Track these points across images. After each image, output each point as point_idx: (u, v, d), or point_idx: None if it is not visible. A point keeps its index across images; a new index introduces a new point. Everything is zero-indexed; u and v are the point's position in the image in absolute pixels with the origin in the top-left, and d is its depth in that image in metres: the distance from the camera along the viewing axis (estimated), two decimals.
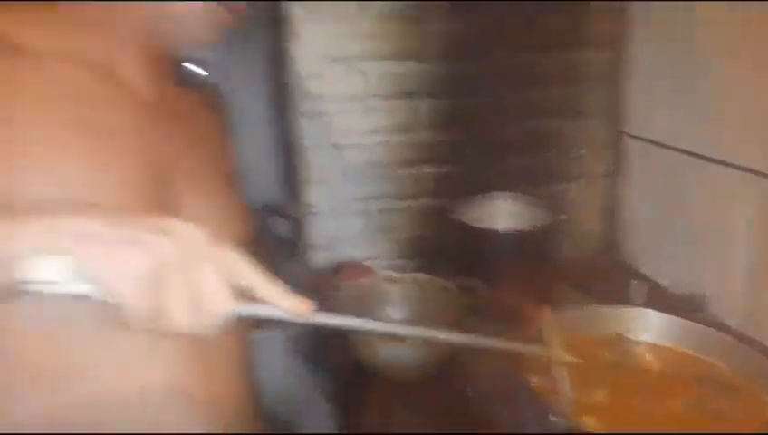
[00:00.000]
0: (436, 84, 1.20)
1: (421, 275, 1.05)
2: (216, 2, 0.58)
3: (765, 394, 0.70)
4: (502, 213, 1.21)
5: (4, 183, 0.50)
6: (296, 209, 1.24)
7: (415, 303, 1.04)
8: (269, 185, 1.38)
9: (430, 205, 1.25)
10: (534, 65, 1.23)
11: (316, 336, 1.11)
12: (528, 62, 1.22)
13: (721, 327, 0.88)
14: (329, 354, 1.04)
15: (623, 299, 1.03)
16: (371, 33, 1.15)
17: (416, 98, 1.20)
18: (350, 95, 1.17)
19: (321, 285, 1.14)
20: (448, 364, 0.91)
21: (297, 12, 1.10)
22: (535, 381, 0.72)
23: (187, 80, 0.71)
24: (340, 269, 1.19)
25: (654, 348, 0.80)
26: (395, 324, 0.59)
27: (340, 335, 0.95)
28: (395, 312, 1.04)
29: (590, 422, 0.68)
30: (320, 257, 1.23)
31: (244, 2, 0.61)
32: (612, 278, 1.19)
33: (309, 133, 1.17)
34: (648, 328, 0.82)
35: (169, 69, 0.66)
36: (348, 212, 1.23)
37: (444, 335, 0.61)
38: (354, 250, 1.24)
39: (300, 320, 0.48)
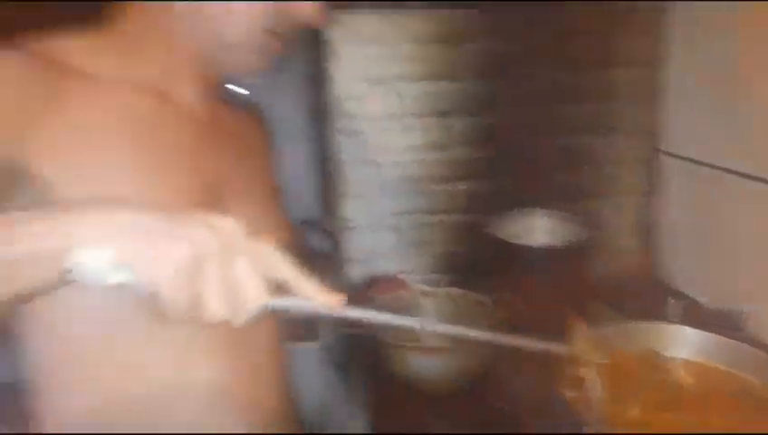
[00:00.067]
0: (470, 103, 1.22)
1: (454, 290, 1.07)
2: (267, 32, 0.62)
3: None
4: (536, 229, 1.22)
5: (71, 191, 0.54)
6: (333, 224, 1.27)
7: (449, 316, 1.05)
8: (307, 200, 1.41)
9: (464, 220, 1.27)
10: (570, 83, 1.24)
11: (350, 347, 1.13)
12: (563, 81, 1.24)
13: (758, 344, 0.86)
14: (362, 365, 1.05)
15: (659, 316, 1.02)
16: (408, 55, 1.18)
17: (450, 116, 1.22)
18: (387, 114, 1.20)
19: (355, 299, 1.16)
20: (481, 377, 0.91)
21: (337, 35, 1.15)
22: (569, 394, 0.72)
23: (233, 99, 0.75)
24: (374, 283, 1.21)
25: (689, 364, 0.80)
26: (425, 321, 0.59)
27: (374, 347, 0.97)
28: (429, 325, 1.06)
29: None
30: (356, 271, 1.26)
31: (294, 31, 0.64)
32: (648, 295, 1.19)
33: (347, 150, 1.21)
34: (684, 344, 0.82)
35: (219, 90, 0.71)
36: (384, 227, 1.26)
37: (473, 333, 0.60)
38: (389, 264, 1.26)
39: (331, 313, 0.49)
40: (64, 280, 0.43)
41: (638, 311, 1.04)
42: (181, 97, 0.64)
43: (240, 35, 0.62)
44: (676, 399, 0.75)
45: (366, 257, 1.26)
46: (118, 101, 0.59)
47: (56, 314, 0.58)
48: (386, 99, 1.19)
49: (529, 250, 1.14)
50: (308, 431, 0.81)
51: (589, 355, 0.68)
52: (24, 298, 0.46)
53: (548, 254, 1.14)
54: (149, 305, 0.44)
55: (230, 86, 0.78)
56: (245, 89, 0.97)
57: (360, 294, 1.19)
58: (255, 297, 0.44)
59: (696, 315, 1.05)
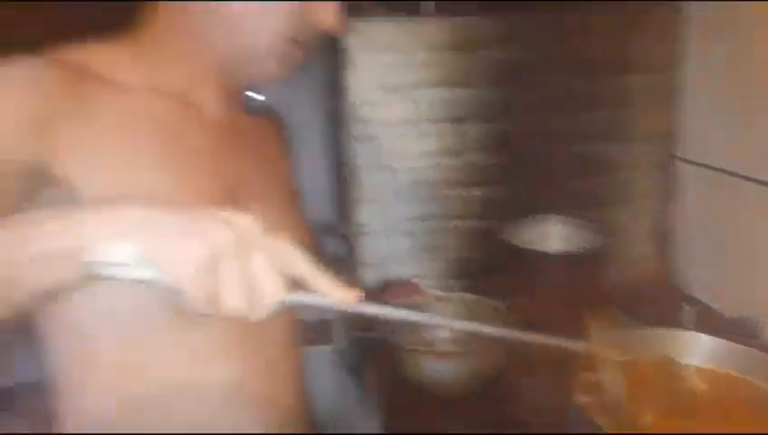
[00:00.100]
0: (485, 109, 1.23)
1: (468, 295, 1.07)
2: (289, 40, 0.63)
3: None
4: (551, 235, 1.22)
5: (96, 194, 0.55)
6: (348, 228, 1.29)
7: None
8: (323, 205, 1.43)
9: (478, 226, 1.27)
10: (585, 90, 1.24)
11: (363, 351, 1.14)
12: (579, 87, 1.24)
13: None
14: (375, 369, 1.06)
15: (674, 323, 1.02)
16: (423, 62, 1.19)
17: (465, 122, 1.23)
18: (402, 120, 1.21)
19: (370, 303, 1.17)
20: (494, 380, 0.92)
21: (353, 42, 1.16)
22: (582, 398, 0.72)
23: (253, 106, 0.77)
24: (388, 287, 1.22)
25: (704, 371, 0.79)
26: (440, 318, 0.58)
27: (387, 350, 0.98)
28: (443, 330, 1.06)
29: None
30: (370, 276, 1.27)
31: (314, 39, 0.65)
32: (664, 302, 1.18)
33: (362, 156, 1.22)
34: (699, 351, 0.82)
35: (240, 96, 0.72)
36: (398, 232, 1.27)
37: (489, 330, 0.59)
38: (404, 269, 1.27)
39: (347, 308, 0.49)
40: (82, 277, 0.44)
41: (654, 317, 1.04)
42: (203, 103, 0.66)
43: (262, 44, 0.63)
44: (689, 406, 0.74)
45: (380, 262, 1.27)
46: (141, 107, 0.61)
47: (76, 315, 0.60)
48: (401, 105, 1.21)
49: (543, 256, 1.14)
50: (321, 433, 0.82)
51: (607, 353, 0.68)
52: (43, 298, 0.47)
53: (562, 260, 1.14)
54: (168, 300, 0.45)
55: (249, 93, 0.80)
56: (264, 95, 0.99)
57: (374, 298, 1.19)
58: (273, 293, 0.44)
59: (712, 323, 1.04)
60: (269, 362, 0.67)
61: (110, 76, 0.60)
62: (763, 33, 1.00)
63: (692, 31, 1.20)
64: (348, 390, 1.23)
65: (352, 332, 1.20)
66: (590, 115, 1.26)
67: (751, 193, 1.04)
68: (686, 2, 1.19)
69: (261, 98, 0.95)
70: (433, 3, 1.20)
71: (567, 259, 1.14)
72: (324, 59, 1.29)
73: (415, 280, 1.25)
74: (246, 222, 0.45)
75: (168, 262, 0.43)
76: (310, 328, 0.79)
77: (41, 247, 0.44)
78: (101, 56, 0.61)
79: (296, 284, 0.46)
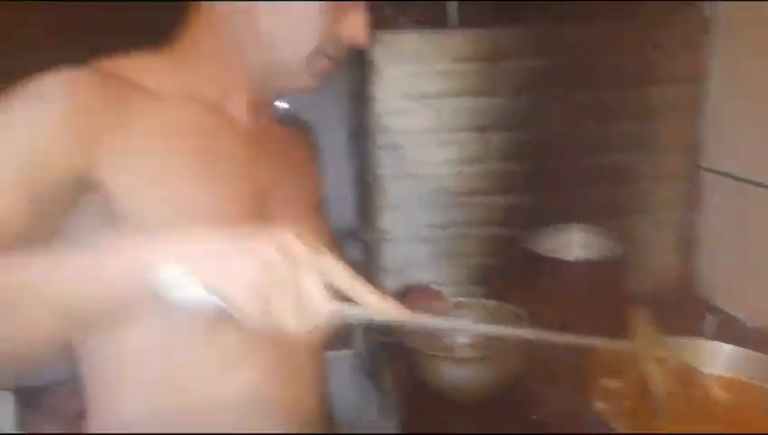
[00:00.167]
0: (508, 118, 1.24)
1: (489, 301, 1.08)
2: (318, 52, 0.65)
3: None
4: (573, 244, 1.22)
5: (133, 198, 0.59)
6: (369, 234, 1.30)
7: None
8: (345, 211, 1.45)
9: (499, 233, 1.28)
10: (610, 100, 1.25)
11: (382, 356, 1.15)
12: (603, 97, 1.24)
13: None
14: (394, 374, 1.07)
15: (696, 332, 1.01)
16: (447, 72, 1.21)
17: (487, 131, 1.24)
18: (425, 129, 1.23)
19: None
20: (513, 386, 0.92)
21: (379, 54, 1.19)
22: (600, 404, 0.73)
23: (284, 115, 0.80)
24: (409, 293, 1.23)
25: (725, 380, 0.79)
26: (481, 325, 0.59)
27: (406, 356, 0.99)
28: (463, 335, 1.06)
29: None
30: (392, 282, 1.28)
31: (342, 51, 0.67)
32: (687, 311, 1.17)
33: (385, 163, 1.24)
34: (721, 360, 0.82)
35: (269, 106, 0.75)
36: (420, 238, 1.28)
37: (533, 334, 0.60)
38: (425, 275, 1.28)
39: (391, 320, 0.51)
40: (145, 299, 0.47)
41: (676, 326, 1.03)
42: (235, 112, 0.69)
43: (292, 57, 0.65)
44: (709, 413, 0.75)
45: (402, 268, 1.28)
46: (177, 115, 0.64)
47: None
48: (425, 114, 1.22)
49: (565, 264, 1.15)
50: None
51: (651, 350, 0.68)
52: (111, 321, 0.51)
53: (584, 268, 1.14)
54: (215, 316, 0.47)
55: (278, 102, 0.82)
56: (292, 104, 1.01)
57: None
58: (322, 309, 0.47)
59: (734, 332, 1.04)
60: (291, 366, 0.69)
61: (148, 85, 0.63)
62: None
63: (717, 41, 1.19)
64: (367, 394, 1.24)
65: (372, 336, 1.21)
66: (614, 125, 1.26)
67: None
68: (712, 12, 1.19)
69: (285, 106, 0.98)
70: (457, 14, 1.22)
71: (588, 267, 1.14)
72: (351, 69, 1.31)
73: (436, 286, 1.26)
74: (293, 241, 0.47)
75: (224, 284, 0.46)
76: (330, 333, 0.80)
77: (110, 274, 0.47)
78: (139, 66, 0.64)
79: (339, 296, 0.48)
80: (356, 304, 0.49)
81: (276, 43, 0.65)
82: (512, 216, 1.27)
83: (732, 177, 1.17)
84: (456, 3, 1.21)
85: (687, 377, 0.81)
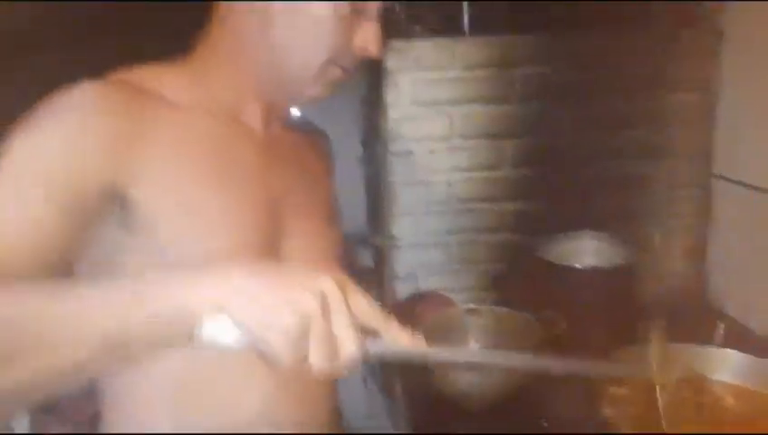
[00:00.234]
0: (519, 125, 1.25)
1: (500, 308, 1.08)
2: (331, 62, 0.67)
3: None
4: (584, 251, 1.22)
5: (152, 206, 0.60)
6: (380, 240, 1.31)
7: (495, 334, 1.05)
8: (357, 217, 1.46)
9: (510, 240, 1.29)
10: (622, 108, 1.25)
11: (392, 364, 1.15)
12: (616, 105, 1.25)
13: None
14: (404, 381, 1.07)
15: (706, 339, 1.01)
16: (459, 80, 1.22)
17: (499, 138, 1.25)
18: (438, 136, 1.24)
19: (400, 315, 1.19)
20: (522, 393, 0.92)
21: (392, 61, 1.20)
22: (609, 411, 0.73)
23: (299, 123, 0.81)
24: (419, 299, 1.24)
25: (735, 388, 0.79)
26: (507, 355, 0.59)
27: (416, 363, 0.98)
28: (473, 343, 1.06)
29: None
30: (403, 288, 1.29)
31: (355, 61, 0.68)
32: (698, 319, 1.17)
33: (397, 170, 1.25)
34: (731, 369, 0.82)
35: (284, 114, 0.76)
36: (431, 245, 1.29)
37: (548, 364, 0.60)
38: (436, 281, 1.29)
39: (416, 355, 0.53)
40: (188, 341, 0.49)
41: (686, 334, 1.03)
42: (251, 121, 0.70)
43: (306, 68, 0.67)
44: (718, 421, 0.75)
45: (412, 274, 1.29)
46: (195, 125, 0.65)
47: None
48: (437, 121, 1.23)
49: (576, 272, 1.15)
50: None
51: (663, 376, 0.69)
52: (151, 354, 0.52)
53: (594, 275, 1.15)
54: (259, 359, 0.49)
55: (291, 109, 0.84)
56: (306, 111, 1.02)
57: (405, 310, 1.21)
58: (353, 350, 0.48)
59: (744, 340, 1.04)
60: (303, 383, 0.69)
61: (166, 95, 0.64)
62: None
63: (730, 50, 1.20)
64: (377, 402, 1.24)
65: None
66: (626, 133, 1.26)
67: None
68: (725, 22, 1.19)
69: (298, 113, 1.00)
70: (469, 22, 1.23)
71: (599, 275, 1.15)
72: (363, 76, 1.33)
73: (446, 293, 1.26)
74: (331, 289, 0.48)
75: (262, 329, 0.47)
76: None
77: (153, 310, 0.48)
78: (158, 77, 0.66)
79: (366, 330, 0.50)
80: (379, 337, 0.51)
81: (289, 53, 0.66)
82: (523, 222, 1.28)
83: (744, 185, 1.16)
84: (468, 11, 1.22)
85: (697, 384, 0.82)
